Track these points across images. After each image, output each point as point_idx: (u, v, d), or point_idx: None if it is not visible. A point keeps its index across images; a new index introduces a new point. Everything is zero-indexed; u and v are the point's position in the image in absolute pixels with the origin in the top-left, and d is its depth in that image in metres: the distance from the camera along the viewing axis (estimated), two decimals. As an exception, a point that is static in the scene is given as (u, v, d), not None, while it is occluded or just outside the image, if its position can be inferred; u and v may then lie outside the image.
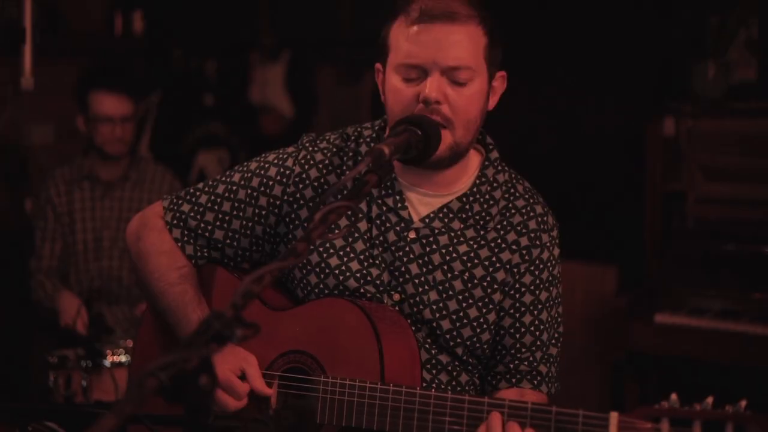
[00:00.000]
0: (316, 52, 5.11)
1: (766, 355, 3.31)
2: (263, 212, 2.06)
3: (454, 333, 1.99)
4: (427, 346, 2.00)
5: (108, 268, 3.89)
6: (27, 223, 4.13)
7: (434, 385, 1.99)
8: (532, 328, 2.03)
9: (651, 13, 4.13)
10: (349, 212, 1.62)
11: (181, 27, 5.34)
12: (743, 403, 1.61)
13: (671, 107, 3.84)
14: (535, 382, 2.02)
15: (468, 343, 2.00)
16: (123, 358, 3.23)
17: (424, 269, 1.99)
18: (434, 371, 2.00)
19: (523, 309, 2.03)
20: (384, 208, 2.01)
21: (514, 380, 2.02)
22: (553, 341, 2.08)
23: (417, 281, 1.99)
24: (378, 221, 2.01)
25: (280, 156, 2.10)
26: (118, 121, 3.87)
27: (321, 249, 2.02)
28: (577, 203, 4.17)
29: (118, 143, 3.89)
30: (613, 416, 1.66)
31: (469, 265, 2.00)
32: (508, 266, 2.02)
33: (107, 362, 3.22)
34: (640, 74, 4.15)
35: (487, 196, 2.04)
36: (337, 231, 1.86)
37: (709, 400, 1.63)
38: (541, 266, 2.05)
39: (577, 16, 4.29)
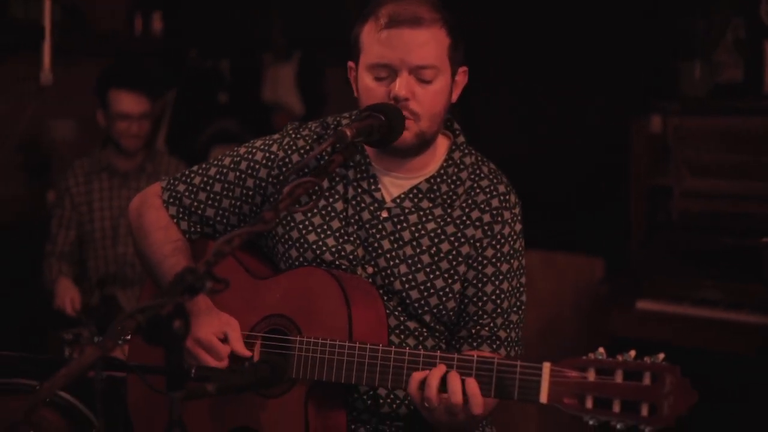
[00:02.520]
0: (326, 52, 5.31)
1: (738, 340, 3.47)
2: (250, 192, 2.28)
3: (422, 302, 2.19)
4: (396, 313, 2.20)
5: (123, 254, 4.11)
6: (49, 215, 4.36)
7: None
8: (494, 297, 2.21)
9: (640, 14, 4.30)
10: (316, 187, 1.82)
11: (198, 28, 5.58)
12: (661, 355, 1.79)
13: (658, 106, 3.99)
14: (494, 346, 2.20)
15: (435, 310, 2.20)
16: (132, 336, 3.44)
17: (395, 245, 2.19)
18: (402, 336, 2.20)
19: (485, 279, 2.21)
20: (359, 190, 2.22)
21: (475, 344, 2.21)
22: (515, 309, 2.25)
23: (388, 255, 2.19)
24: (354, 202, 2.22)
25: (267, 142, 2.31)
26: (135, 119, 4.10)
27: (301, 226, 2.23)
28: (569, 197, 4.36)
29: (134, 138, 4.12)
30: (546, 366, 1.85)
31: (436, 240, 2.20)
32: (472, 241, 2.21)
33: (121, 339, 3.43)
34: (630, 74, 4.33)
35: (454, 177, 2.24)
36: (301, 206, 2.05)
37: (632, 353, 1.81)
38: (503, 240, 2.23)
39: (569, 19, 4.47)
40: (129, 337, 3.31)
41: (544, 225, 4.32)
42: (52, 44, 3.42)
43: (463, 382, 1.94)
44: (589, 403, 1.81)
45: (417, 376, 1.97)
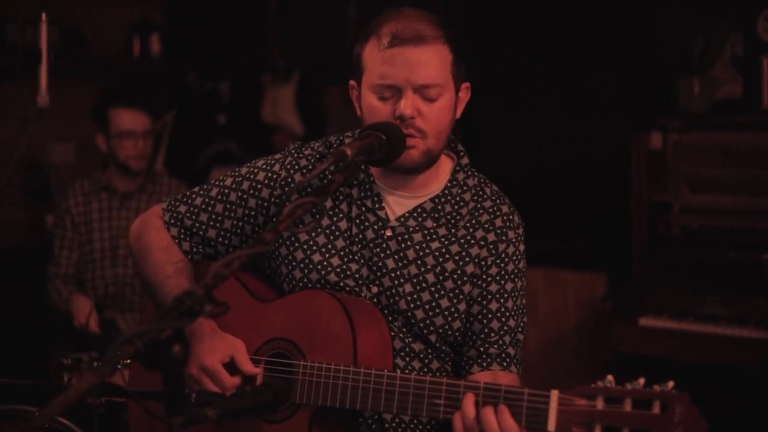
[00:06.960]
0: (324, 73, 5.31)
1: (742, 355, 3.46)
2: (252, 213, 2.27)
3: (428, 321, 2.17)
4: (401, 335, 2.18)
5: (122, 275, 4.10)
6: (48, 237, 4.35)
7: (407, 371, 2.17)
8: (499, 315, 2.20)
9: (639, 31, 4.31)
10: (315, 208, 1.81)
11: (197, 50, 5.59)
12: (671, 383, 1.77)
13: (658, 122, 4.00)
14: (504, 363, 2.18)
15: (440, 330, 2.18)
16: (133, 360, 3.42)
17: (400, 264, 2.18)
18: (408, 358, 2.18)
19: (489, 297, 2.20)
20: (363, 209, 2.21)
21: (485, 363, 2.18)
22: (520, 329, 2.23)
23: (393, 275, 2.18)
24: (358, 221, 2.21)
25: (269, 162, 2.31)
26: (141, 136, 4.10)
27: (305, 246, 2.21)
28: (569, 214, 4.35)
29: (141, 158, 4.12)
30: (554, 394, 1.82)
31: (441, 259, 2.19)
32: (476, 260, 2.20)
33: (118, 364, 3.41)
34: (630, 92, 4.33)
35: (457, 198, 2.23)
36: (301, 226, 2.03)
37: (641, 380, 1.78)
38: (506, 259, 2.22)
39: (570, 37, 4.48)
40: (128, 361, 3.31)
41: (546, 242, 4.32)
42: (50, 67, 3.41)
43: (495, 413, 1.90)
44: (598, 432, 1.79)
45: (458, 415, 1.92)
